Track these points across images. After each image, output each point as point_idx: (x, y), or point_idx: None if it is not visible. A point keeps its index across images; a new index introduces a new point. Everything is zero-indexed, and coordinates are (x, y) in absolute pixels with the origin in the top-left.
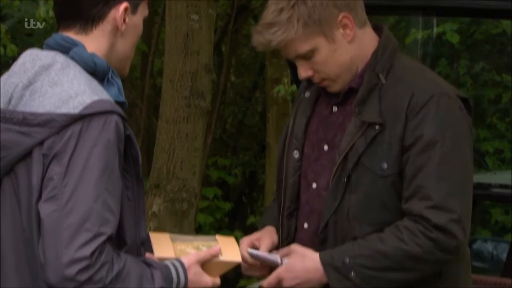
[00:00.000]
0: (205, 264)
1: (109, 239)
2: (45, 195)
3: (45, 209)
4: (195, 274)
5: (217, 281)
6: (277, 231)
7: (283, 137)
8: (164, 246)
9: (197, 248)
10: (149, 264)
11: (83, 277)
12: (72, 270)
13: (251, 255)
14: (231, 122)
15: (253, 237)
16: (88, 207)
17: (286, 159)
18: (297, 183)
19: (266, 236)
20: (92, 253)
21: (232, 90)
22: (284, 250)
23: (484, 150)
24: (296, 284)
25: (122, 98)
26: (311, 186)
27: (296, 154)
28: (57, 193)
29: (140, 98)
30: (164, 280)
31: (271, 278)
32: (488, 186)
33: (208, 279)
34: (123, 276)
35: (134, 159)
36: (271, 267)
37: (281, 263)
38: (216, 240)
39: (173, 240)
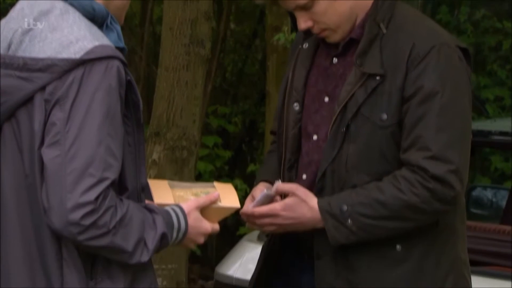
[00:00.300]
0: (204, 210)
1: (113, 184)
2: (47, 140)
3: (48, 154)
4: (195, 219)
5: (216, 226)
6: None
7: (283, 89)
8: (163, 193)
9: (196, 195)
10: (150, 210)
11: (87, 221)
12: (76, 215)
13: (247, 213)
14: (231, 70)
15: (248, 201)
16: (91, 152)
17: (286, 112)
18: (298, 135)
19: (257, 191)
20: (97, 198)
21: (232, 38)
22: (290, 186)
23: (484, 98)
24: (289, 224)
25: (122, 44)
26: (312, 138)
27: (296, 106)
28: (60, 138)
29: (140, 46)
30: (165, 225)
31: (264, 208)
32: (488, 133)
33: (207, 225)
34: (126, 221)
35: (135, 105)
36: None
37: (275, 194)
38: (214, 186)
39: (171, 187)
